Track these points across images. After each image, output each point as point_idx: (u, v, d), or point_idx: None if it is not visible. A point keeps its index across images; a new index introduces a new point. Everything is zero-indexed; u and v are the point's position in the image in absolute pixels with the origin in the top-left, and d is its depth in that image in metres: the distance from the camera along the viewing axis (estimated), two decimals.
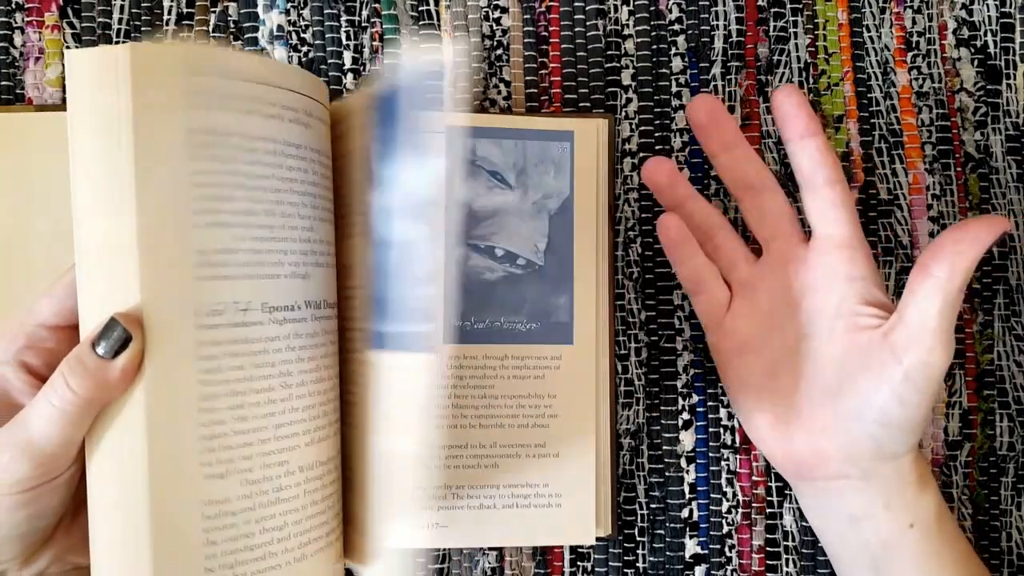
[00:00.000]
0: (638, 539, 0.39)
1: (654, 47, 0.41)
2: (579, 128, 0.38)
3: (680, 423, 0.40)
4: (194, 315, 0.28)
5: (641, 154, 0.40)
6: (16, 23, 0.39)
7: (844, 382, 0.32)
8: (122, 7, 0.39)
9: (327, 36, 0.40)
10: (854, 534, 0.33)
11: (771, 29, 0.41)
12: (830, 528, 0.35)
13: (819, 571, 0.39)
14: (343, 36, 0.40)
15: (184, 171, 0.27)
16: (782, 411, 0.34)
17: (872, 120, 0.41)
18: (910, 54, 0.41)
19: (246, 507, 0.29)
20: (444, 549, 0.39)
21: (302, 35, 0.40)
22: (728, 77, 0.41)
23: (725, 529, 0.39)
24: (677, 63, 0.41)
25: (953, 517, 0.34)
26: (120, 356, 0.26)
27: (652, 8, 0.41)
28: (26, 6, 0.39)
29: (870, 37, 0.41)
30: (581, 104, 0.40)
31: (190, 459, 0.27)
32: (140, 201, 0.27)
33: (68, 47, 0.39)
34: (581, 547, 0.39)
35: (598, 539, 0.38)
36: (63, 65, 0.39)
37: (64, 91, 0.38)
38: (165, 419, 0.27)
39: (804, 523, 0.39)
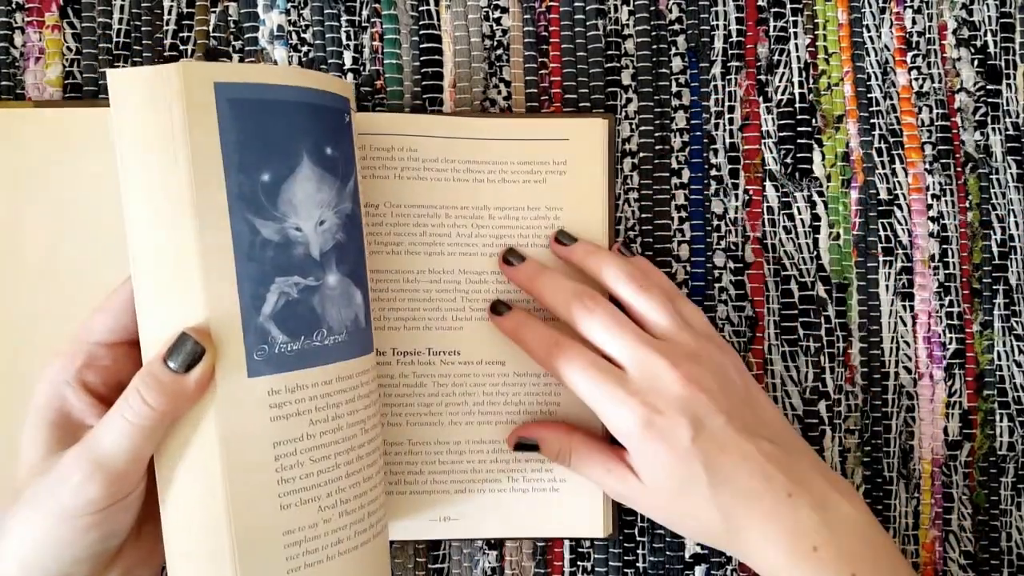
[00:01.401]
0: (638, 539, 0.39)
1: (654, 47, 0.41)
2: (578, 128, 0.38)
3: None
4: (259, 327, 0.28)
5: (641, 154, 0.40)
6: (16, 23, 0.39)
7: None
8: (122, 7, 0.39)
9: (327, 36, 0.40)
10: None
11: (771, 29, 0.41)
12: None
13: None
14: (343, 36, 0.40)
15: (244, 182, 0.28)
16: None
17: (872, 120, 0.41)
18: (910, 54, 0.41)
19: (323, 516, 0.29)
20: (444, 549, 0.39)
21: (302, 35, 0.40)
22: (728, 77, 0.41)
23: None
24: (677, 63, 0.41)
25: None
26: (193, 370, 0.27)
27: (652, 8, 0.41)
28: (26, 6, 0.39)
29: (870, 37, 0.41)
30: (581, 104, 0.40)
31: (264, 465, 0.28)
32: (200, 215, 0.27)
33: (69, 48, 0.39)
34: (581, 547, 0.39)
35: (598, 539, 0.38)
36: (63, 65, 0.39)
37: (64, 91, 0.38)
38: (237, 429, 0.28)
39: None
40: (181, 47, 0.39)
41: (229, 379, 0.27)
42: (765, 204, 0.40)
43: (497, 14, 0.40)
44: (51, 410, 0.28)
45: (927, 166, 0.41)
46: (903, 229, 0.41)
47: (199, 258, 0.27)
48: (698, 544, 0.39)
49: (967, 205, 0.41)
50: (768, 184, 0.40)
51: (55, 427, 0.28)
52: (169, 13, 0.39)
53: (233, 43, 0.39)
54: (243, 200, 0.27)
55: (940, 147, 0.41)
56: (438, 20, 0.40)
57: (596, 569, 0.39)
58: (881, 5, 0.41)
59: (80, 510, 0.26)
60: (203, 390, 0.27)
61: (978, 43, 0.42)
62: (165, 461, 0.28)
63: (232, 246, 0.27)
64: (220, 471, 0.27)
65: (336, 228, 0.30)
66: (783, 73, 0.41)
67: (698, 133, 0.40)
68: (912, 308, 0.41)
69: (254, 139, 0.28)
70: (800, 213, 0.40)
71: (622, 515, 0.39)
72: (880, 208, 0.41)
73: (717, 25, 0.41)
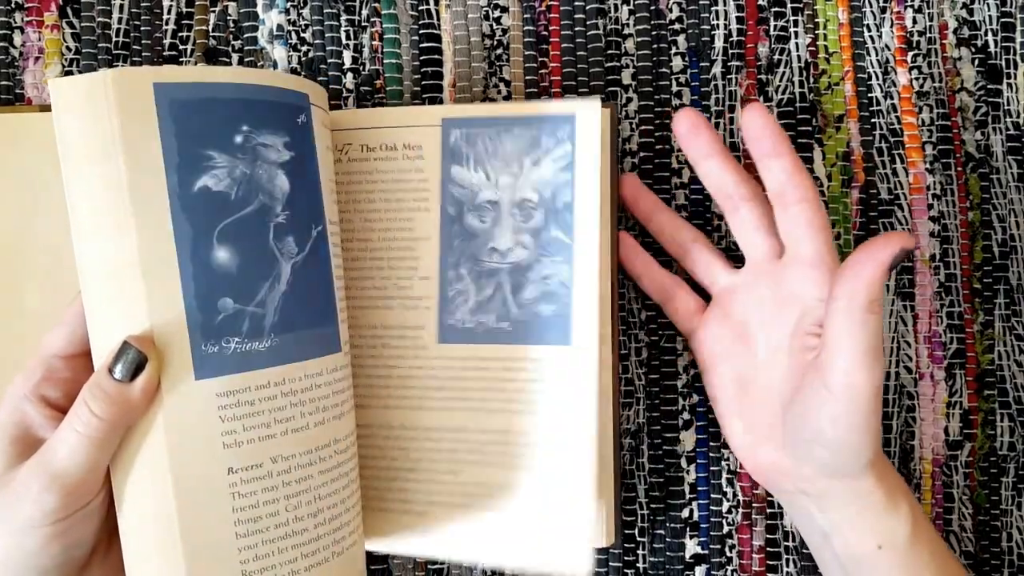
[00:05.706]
0: (638, 539, 0.39)
1: (654, 47, 0.41)
2: (580, 114, 0.36)
3: (680, 423, 0.40)
4: (205, 331, 0.28)
5: (641, 154, 0.40)
6: (16, 23, 0.39)
7: (790, 400, 0.33)
8: (122, 7, 0.39)
9: (327, 36, 0.39)
10: (826, 546, 0.34)
11: (771, 29, 0.41)
12: (808, 537, 0.35)
13: (819, 571, 0.39)
14: (343, 36, 0.40)
15: (184, 189, 0.27)
16: (749, 423, 0.35)
17: (872, 120, 0.41)
18: (910, 54, 0.41)
19: (277, 520, 0.29)
20: None
21: (302, 35, 0.40)
22: (728, 77, 0.41)
23: (725, 529, 0.39)
24: (677, 63, 0.41)
25: (936, 536, 0.33)
26: (138, 378, 0.26)
27: (652, 8, 0.41)
28: (26, 6, 0.39)
29: (870, 37, 0.41)
30: None
31: (216, 471, 0.28)
32: (141, 222, 0.27)
33: (68, 47, 0.39)
34: None
35: (599, 548, 0.38)
36: (62, 65, 0.39)
37: None
38: (186, 432, 0.27)
39: None
40: (180, 47, 0.39)
41: (176, 384, 0.27)
42: None
43: (497, 14, 0.40)
44: (11, 425, 0.28)
45: (928, 166, 0.41)
46: (903, 229, 0.41)
47: (141, 265, 0.27)
48: (698, 545, 0.39)
49: (968, 205, 0.41)
50: None
51: (16, 442, 0.28)
52: (168, 13, 0.39)
53: (232, 43, 0.39)
54: (186, 204, 0.27)
55: (941, 147, 0.41)
56: (438, 20, 0.40)
57: (596, 570, 0.39)
58: (882, 5, 0.41)
59: (40, 520, 0.26)
60: (150, 398, 0.27)
61: (979, 43, 0.42)
62: (118, 468, 0.28)
63: (175, 251, 0.27)
64: (170, 476, 0.27)
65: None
66: (783, 73, 0.41)
67: None
68: (912, 308, 0.40)
69: (197, 141, 0.27)
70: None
71: (622, 516, 0.39)
72: (881, 208, 0.41)
73: (717, 25, 0.41)
